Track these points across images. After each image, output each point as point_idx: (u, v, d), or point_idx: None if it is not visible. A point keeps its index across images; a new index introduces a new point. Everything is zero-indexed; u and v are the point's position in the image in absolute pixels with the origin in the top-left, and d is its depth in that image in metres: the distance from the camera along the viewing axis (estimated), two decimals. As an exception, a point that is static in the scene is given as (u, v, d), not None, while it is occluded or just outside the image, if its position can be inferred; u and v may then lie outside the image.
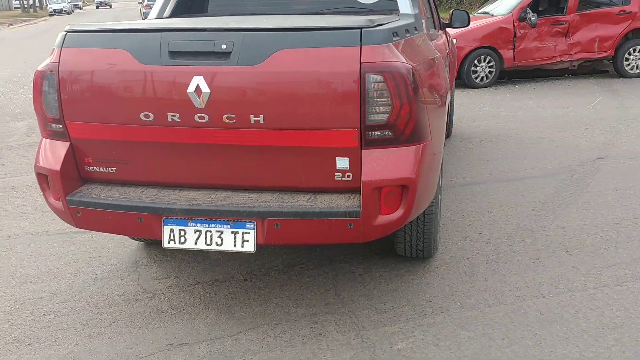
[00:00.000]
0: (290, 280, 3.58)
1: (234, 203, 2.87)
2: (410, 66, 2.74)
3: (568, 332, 2.94)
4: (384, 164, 2.75)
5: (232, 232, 2.89)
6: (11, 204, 5.07)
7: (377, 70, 2.66)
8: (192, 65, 2.77)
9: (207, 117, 2.78)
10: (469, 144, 6.43)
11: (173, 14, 4.19)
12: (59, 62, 2.94)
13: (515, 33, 9.94)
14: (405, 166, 2.77)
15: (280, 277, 3.61)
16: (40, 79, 2.99)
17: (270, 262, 3.79)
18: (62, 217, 3.11)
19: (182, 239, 2.93)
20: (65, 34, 2.98)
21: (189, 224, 2.92)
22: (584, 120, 7.39)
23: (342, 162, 2.81)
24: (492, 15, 10.43)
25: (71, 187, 3.03)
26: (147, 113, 2.84)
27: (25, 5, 58.08)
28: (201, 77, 2.74)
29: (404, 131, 2.75)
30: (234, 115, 2.76)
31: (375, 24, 2.77)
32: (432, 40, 4.02)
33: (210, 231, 2.91)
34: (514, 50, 9.99)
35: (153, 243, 4.06)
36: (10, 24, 39.92)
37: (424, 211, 3.21)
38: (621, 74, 10.30)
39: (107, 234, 4.12)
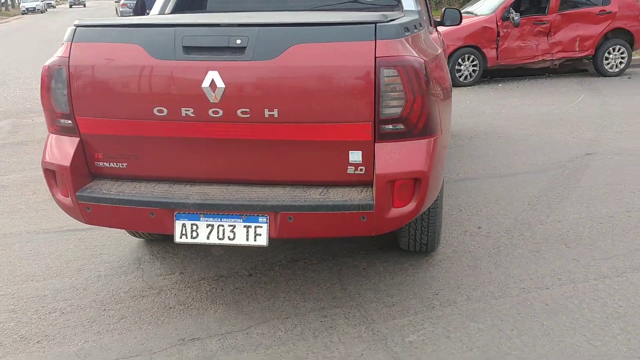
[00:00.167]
0: (295, 275, 3.59)
1: (247, 197, 2.88)
2: (423, 60, 2.78)
3: (574, 322, 3.01)
4: (397, 158, 2.78)
5: (244, 226, 2.89)
6: (3, 202, 5.00)
7: (391, 65, 2.69)
8: (207, 60, 2.76)
9: (221, 112, 2.78)
10: (459, 141, 6.50)
11: (174, 11, 4.17)
12: (69, 57, 2.91)
13: (498, 32, 10.06)
14: (418, 159, 2.80)
15: (285, 272, 3.62)
16: (49, 73, 2.95)
17: (273, 257, 3.80)
18: (70, 213, 3.08)
19: (194, 234, 2.93)
20: (75, 29, 2.95)
21: (201, 219, 2.92)
22: (569, 117, 7.52)
23: (355, 156, 2.84)
24: (476, 14, 10.54)
25: (80, 183, 3.00)
26: (160, 108, 2.83)
27: (-3, 4, 57.07)
28: (216, 72, 2.74)
29: (417, 125, 2.79)
30: (248, 110, 2.77)
31: (389, 19, 2.80)
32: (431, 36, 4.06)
33: (222, 225, 2.91)
34: (497, 50, 10.11)
35: (154, 240, 4.04)
36: (-18, 23, 39.20)
37: None
38: (601, 72, 10.48)
39: (108, 231, 4.12)
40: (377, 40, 2.70)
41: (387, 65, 2.69)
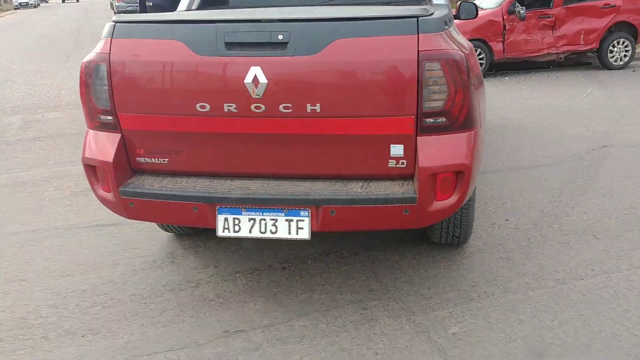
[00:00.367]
0: (328, 268, 3.62)
1: (289, 191, 2.90)
2: (463, 53, 2.80)
3: (612, 311, 3.05)
4: (439, 151, 2.81)
5: (286, 220, 2.92)
6: (27, 198, 4.99)
7: (434, 58, 2.71)
8: (249, 55, 2.78)
9: (263, 107, 2.80)
10: (474, 134, 6.53)
11: (200, 7, 4.17)
12: (109, 53, 2.92)
13: (504, 26, 10.11)
14: (460, 152, 2.83)
15: (318, 265, 3.65)
16: (88, 70, 2.96)
17: (304, 251, 3.83)
18: (112, 208, 3.10)
19: (237, 227, 2.95)
20: (114, 25, 2.96)
21: (243, 213, 2.94)
22: (579, 110, 7.56)
23: (397, 149, 2.86)
24: (482, 8, 10.53)
25: (122, 178, 3.02)
26: (202, 104, 2.85)
27: (-10, -1, 56.68)
28: (258, 67, 2.76)
29: (458, 118, 2.81)
30: (290, 105, 2.79)
31: (430, 12, 2.82)
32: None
33: (264, 219, 2.94)
34: (503, 43, 10.16)
35: (184, 234, 4.06)
36: (-24, 18, 38.96)
37: None
38: (606, 65, 10.53)
39: (138, 225, 4.14)
40: (419, 34, 2.72)
41: (430, 59, 2.71)
